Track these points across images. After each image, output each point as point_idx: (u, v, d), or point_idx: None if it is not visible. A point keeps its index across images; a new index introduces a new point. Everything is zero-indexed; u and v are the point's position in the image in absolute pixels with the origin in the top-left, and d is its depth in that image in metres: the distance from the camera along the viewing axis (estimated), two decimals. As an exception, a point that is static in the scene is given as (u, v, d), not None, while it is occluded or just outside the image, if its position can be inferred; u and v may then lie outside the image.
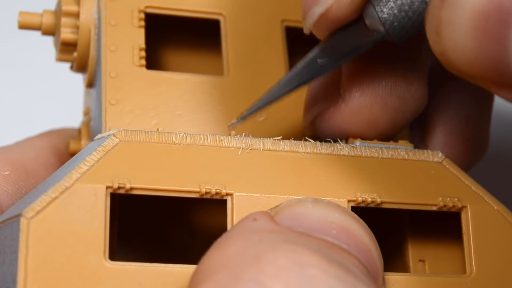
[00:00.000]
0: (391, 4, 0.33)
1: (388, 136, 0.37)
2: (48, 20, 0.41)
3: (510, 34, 0.29)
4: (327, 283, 0.29)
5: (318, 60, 0.35)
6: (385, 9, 0.34)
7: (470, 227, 0.35)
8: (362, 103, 0.36)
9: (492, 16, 0.29)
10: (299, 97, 0.39)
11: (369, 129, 0.37)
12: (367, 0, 0.34)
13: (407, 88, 0.37)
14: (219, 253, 0.30)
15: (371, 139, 0.37)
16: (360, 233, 0.32)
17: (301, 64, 0.35)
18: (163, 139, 0.34)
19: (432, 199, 0.35)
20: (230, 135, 0.35)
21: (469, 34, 0.29)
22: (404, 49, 0.37)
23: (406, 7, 0.33)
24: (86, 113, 0.42)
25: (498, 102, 0.42)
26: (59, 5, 0.41)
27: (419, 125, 0.41)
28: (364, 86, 0.36)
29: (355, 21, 0.35)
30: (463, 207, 0.35)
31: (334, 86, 0.37)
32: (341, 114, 0.37)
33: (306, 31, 0.35)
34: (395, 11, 0.33)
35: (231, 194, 0.33)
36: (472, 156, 0.41)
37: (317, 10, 0.34)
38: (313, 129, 0.38)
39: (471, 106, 0.40)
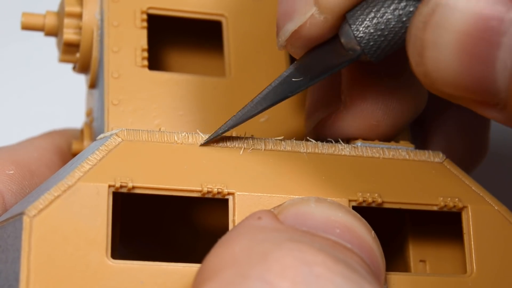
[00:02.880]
0: (367, 23, 0.33)
1: (389, 137, 0.37)
2: (51, 21, 0.41)
3: (498, 54, 0.29)
4: (333, 282, 0.29)
5: (293, 79, 0.34)
6: (361, 28, 0.33)
7: (471, 227, 0.35)
8: (364, 108, 0.36)
9: (479, 37, 0.29)
10: (300, 98, 0.40)
11: (371, 133, 0.37)
12: (343, 19, 0.33)
13: (407, 90, 0.37)
14: (225, 251, 0.30)
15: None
16: (363, 232, 0.32)
17: (275, 82, 0.35)
18: (165, 139, 0.34)
19: (433, 199, 0.35)
20: (232, 134, 0.35)
21: (455, 56, 0.29)
22: (402, 52, 0.37)
23: (383, 26, 0.33)
24: (89, 113, 0.43)
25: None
26: (62, 6, 0.41)
27: (419, 126, 0.41)
28: (366, 91, 0.36)
29: (331, 40, 0.34)
30: (464, 207, 0.35)
31: (335, 91, 0.37)
32: (343, 119, 0.37)
33: (279, 48, 0.35)
34: (371, 30, 0.33)
35: (232, 194, 0.33)
36: (473, 159, 0.41)
37: (290, 27, 0.34)
38: (315, 135, 0.38)
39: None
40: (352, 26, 0.33)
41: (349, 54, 0.34)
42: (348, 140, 0.37)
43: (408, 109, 0.37)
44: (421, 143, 0.42)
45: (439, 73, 0.30)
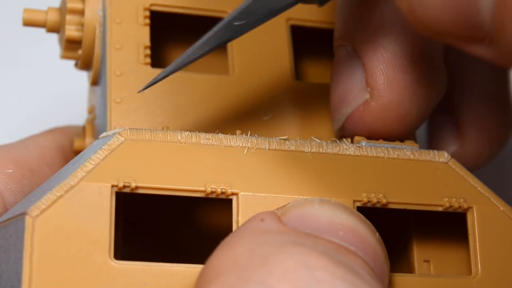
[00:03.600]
0: None
1: (417, 126, 0.37)
2: (53, 18, 0.41)
3: None
4: (334, 286, 0.29)
5: (235, 23, 0.34)
6: None
7: (476, 228, 0.35)
8: (392, 99, 0.36)
9: None
10: (305, 96, 0.39)
11: (400, 124, 0.37)
12: None
13: (430, 75, 0.37)
14: (227, 254, 0.30)
15: (402, 134, 0.37)
16: (366, 234, 0.32)
17: (217, 26, 0.34)
18: (169, 138, 0.34)
19: (437, 199, 0.35)
20: (235, 133, 0.35)
21: None
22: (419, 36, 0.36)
23: None
24: (91, 111, 0.42)
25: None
26: (64, 2, 0.41)
27: (447, 112, 0.41)
28: (391, 81, 0.36)
29: None
30: (469, 207, 0.35)
31: (359, 83, 0.37)
32: (372, 112, 0.37)
33: None
34: None
35: (236, 194, 0.33)
36: (506, 130, 0.41)
37: None
38: (344, 130, 0.37)
39: (494, 83, 0.40)
40: None
41: None
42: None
43: (432, 94, 0.37)
44: (451, 131, 0.41)
45: (423, 8, 0.29)
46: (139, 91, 0.35)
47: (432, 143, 0.41)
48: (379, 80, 0.36)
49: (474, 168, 0.40)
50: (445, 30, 0.29)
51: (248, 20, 0.34)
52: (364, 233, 0.32)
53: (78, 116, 0.48)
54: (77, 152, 0.40)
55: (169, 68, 0.34)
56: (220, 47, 0.35)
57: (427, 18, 0.29)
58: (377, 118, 0.36)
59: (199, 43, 0.34)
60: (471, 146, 0.40)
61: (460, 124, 0.40)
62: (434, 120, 0.41)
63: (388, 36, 0.36)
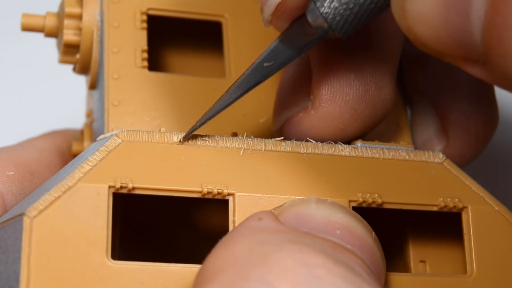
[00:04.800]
0: None
1: (356, 139, 0.37)
2: (51, 22, 0.41)
3: (472, 5, 0.28)
4: (333, 283, 0.29)
5: (265, 64, 0.35)
6: (325, 4, 0.33)
7: (471, 228, 0.35)
8: (332, 112, 0.36)
9: None
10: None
11: (337, 135, 0.36)
12: None
13: (377, 93, 0.37)
14: (225, 252, 0.30)
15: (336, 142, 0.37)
16: (363, 234, 0.32)
17: (249, 70, 0.35)
18: (165, 139, 0.34)
19: (433, 199, 0.35)
20: (231, 135, 0.35)
21: (433, 7, 0.29)
22: (372, 53, 0.37)
23: (347, 0, 0.33)
24: (89, 114, 0.43)
25: (499, 102, 0.42)
26: (62, 7, 0.41)
27: (433, 110, 0.41)
28: (335, 94, 0.36)
29: (299, 20, 0.34)
30: (464, 207, 0.35)
31: (304, 90, 0.37)
32: (310, 120, 0.36)
33: (265, 24, 0.35)
34: (336, 4, 0.33)
35: (232, 194, 0.33)
36: (490, 128, 0.41)
37: (274, 0, 0.34)
38: (281, 134, 0.37)
39: (478, 83, 0.40)
40: (317, 2, 0.33)
41: (317, 32, 0.34)
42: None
43: (378, 112, 0.37)
44: (436, 131, 0.41)
45: (420, 27, 0.29)
46: (181, 139, 0.34)
47: (416, 144, 0.41)
48: (323, 90, 0.36)
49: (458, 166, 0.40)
50: (442, 49, 0.30)
51: (276, 61, 0.35)
52: (360, 232, 0.32)
53: (76, 120, 0.48)
54: (75, 156, 0.40)
55: (206, 114, 0.35)
56: (253, 89, 0.35)
57: (425, 37, 0.30)
58: (314, 127, 0.36)
59: (233, 87, 0.35)
60: (456, 146, 0.40)
61: (445, 125, 0.40)
62: (418, 120, 0.41)
63: (340, 49, 0.36)
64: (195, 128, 0.34)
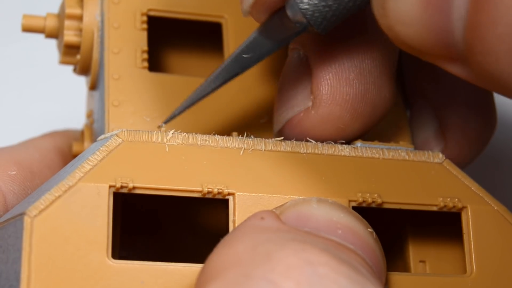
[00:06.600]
0: None
1: (355, 139, 0.37)
2: (51, 23, 0.41)
3: (453, 3, 0.28)
4: (337, 282, 0.29)
5: (243, 55, 0.35)
6: (305, 0, 0.33)
7: (470, 228, 0.35)
8: (332, 112, 0.36)
9: None
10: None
11: (338, 135, 0.36)
12: None
13: (377, 93, 0.37)
14: (228, 251, 0.30)
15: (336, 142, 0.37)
16: (364, 233, 0.32)
17: (227, 61, 0.35)
18: (166, 139, 0.34)
19: (432, 199, 0.35)
20: (231, 135, 0.35)
21: (414, 6, 0.29)
22: (372, 53, 0.37)
23: None
24: (89, 115, 0.43)
25: (499, 102, 0.42)
26: (62, 8, 0.41)
27: (426, 112, 0.41)
28: (335, 93, 0.36)
29: (279, 14, 0.34)
30: (463, 207, 0.36)
31: (304, 90, 0.37)
32: (310, 120, 0.36)
33: (244, 14, 0.35)
34: (315, 1, 0.33)
35: (233, 194, 0.34)
36: (488, 131, 0.41)
37: None
38: (283, 134, 0.37)
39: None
40: None
41: (296, 27, 0.34)
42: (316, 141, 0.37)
43: (378, 112, 0.37)
44: (434, 133, 0.41)
45: (401, 26, 0.29)
46: (164, 123, 0.36)
47: (415, 145, 0.41)
48: (323, 90, 0.36)
49: None
50: (422, 48, 0.30)
51: (255, 53, 0.35)
52: (361, 232, 0.32)
53: (77, 120, 0.48)
54: (75, 156, 0.40)
55: (184, 103, 0.35)
56: (231, 80, 0.35)
57: (406, 37, 0.30)
58: (315, 127, 0.36)
59: (211, 77, 0.35)
60: (453, 149, 0.40)
61: (443, 127, 0.40)
62: (417, 122, 0.41)
63: (339, 48, 0.36)
64: (174, 115, 0.36)
